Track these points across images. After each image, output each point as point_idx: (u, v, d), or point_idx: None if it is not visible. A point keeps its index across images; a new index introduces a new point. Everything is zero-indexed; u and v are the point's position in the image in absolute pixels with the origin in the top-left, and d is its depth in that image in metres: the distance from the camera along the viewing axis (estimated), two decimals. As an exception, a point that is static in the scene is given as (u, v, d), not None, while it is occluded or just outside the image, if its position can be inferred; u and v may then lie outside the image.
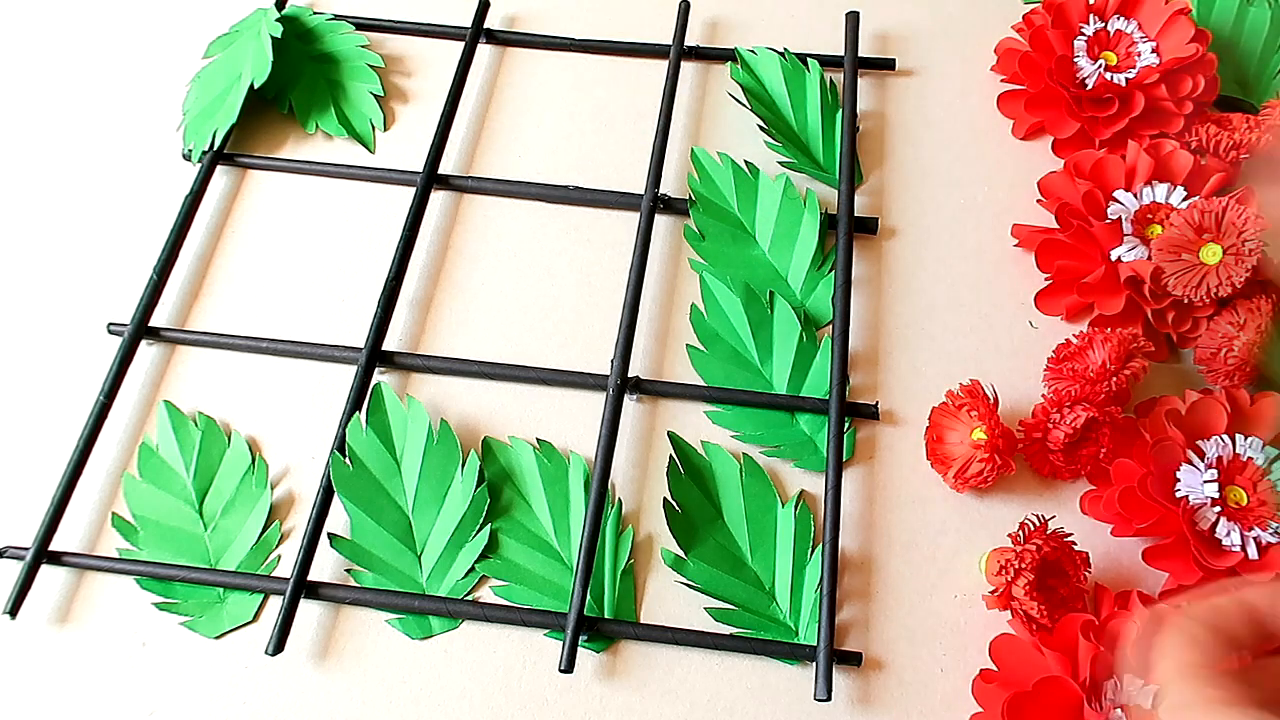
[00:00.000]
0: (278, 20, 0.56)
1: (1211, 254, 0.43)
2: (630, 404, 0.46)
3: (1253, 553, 0.39)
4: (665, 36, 0.57)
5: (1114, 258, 0.46)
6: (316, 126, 0.55)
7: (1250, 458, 0.41)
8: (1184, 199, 0.47)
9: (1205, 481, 0.40)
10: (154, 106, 0.56)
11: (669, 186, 0.52)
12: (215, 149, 0.53)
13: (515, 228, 0.52)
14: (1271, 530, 0.39)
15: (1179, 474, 0.40)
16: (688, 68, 0.57)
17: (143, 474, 0.45)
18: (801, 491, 0.44)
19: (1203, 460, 0.41)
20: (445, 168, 0.53)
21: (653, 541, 0.43)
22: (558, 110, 0.56)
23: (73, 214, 0.53)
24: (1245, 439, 0.41)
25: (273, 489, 0.44)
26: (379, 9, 0.59)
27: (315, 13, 0.58)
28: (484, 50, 0.58)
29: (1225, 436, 0.41)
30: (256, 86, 0.53)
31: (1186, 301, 0.44)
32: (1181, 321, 0.45)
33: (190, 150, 0.54)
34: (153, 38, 0.59)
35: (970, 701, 0.38)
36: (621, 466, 0.45)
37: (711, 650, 0.40)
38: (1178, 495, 0.40)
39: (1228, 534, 0.39)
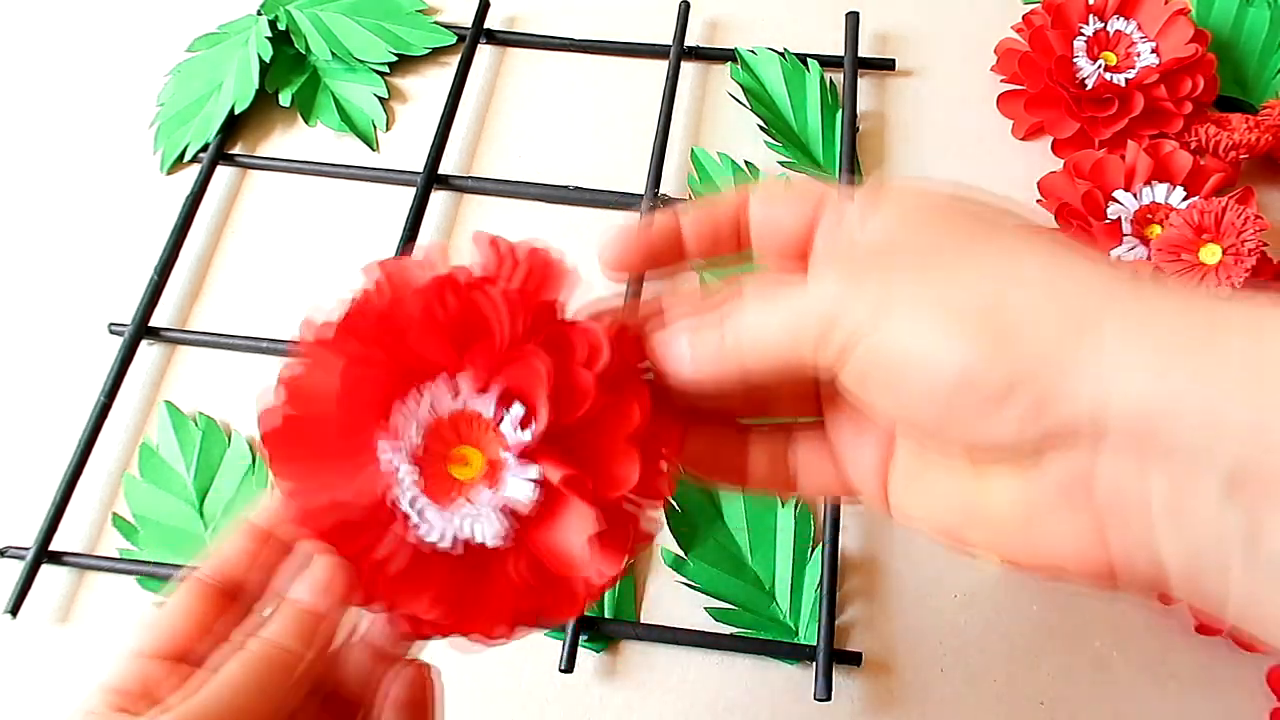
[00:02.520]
0: (268, 38, 0.55)
1: (1211, 254, 0.43)
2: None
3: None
4: (665, 36, 0.57)
5: (1114, 258, 0.46)
6: (318, 122, 0.55)
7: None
8: (1184, 199, 0.47)
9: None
10: (155, 107, 0.56)
11: (669, 186, 0.52)
12: (212, 153, 0.53)
13: (515, 228, 0.52)
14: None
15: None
16: (688, 68, 0.57)
17: (143, 474, 0.45)
18: (801, 491, 0.44)
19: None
20: (445, 168, 0.53)
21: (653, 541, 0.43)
22: (558, 110, 0.56)
23: (73, 214, 0.53)
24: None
25: (273, 489, 0.44)
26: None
27: (318, 15, 0.58)
28: (484, 50, 0.58)
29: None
30: (238, 112, 0.54)
31: (1186, 301, 0.44)
32: (1181, 321, 0.45)
33: (160, 154, 0.54)
34: (151, 38, 0.59)
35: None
36: (621, 466, 0.45)
37: (711, 650, 0.40)
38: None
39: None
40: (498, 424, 0.23)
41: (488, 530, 0.23)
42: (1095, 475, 0.19)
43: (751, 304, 0.23)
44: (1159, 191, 0.47)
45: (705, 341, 0.24)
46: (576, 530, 0.23)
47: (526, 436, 0.23)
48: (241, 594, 0.25)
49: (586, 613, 0.40)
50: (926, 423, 0.21)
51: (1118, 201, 0.47)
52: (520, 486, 0.23)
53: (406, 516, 0.23)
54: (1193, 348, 0.18)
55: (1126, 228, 0.47)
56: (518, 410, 0.23)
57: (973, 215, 0.22)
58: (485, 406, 0.24)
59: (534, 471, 0.23)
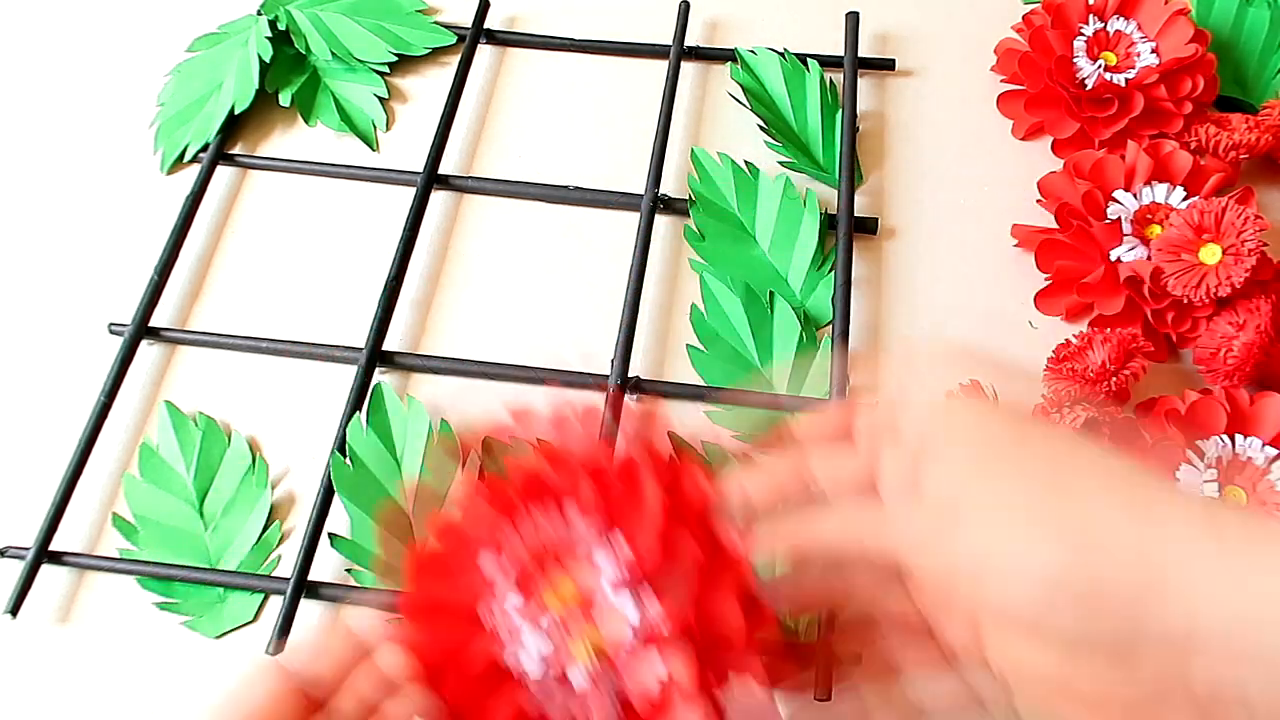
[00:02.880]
0: (268, 38, 0.55)
1: (1211, 254, 0.43)
2: (630, 404, 0.46)
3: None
4: (665, 36, 0.57)
5: (1114, 258, 0.46)
6: (318, 122, 0.55)
7: (1250, 457, 0.41)
8: (1183, 199, 0.47)
9: (1205, 481, 0.40)
10: (155, 107, 0.56)
11: (669, 186, 0.52)
12: (212, 153, 0.53)
13: (515, 228, 0.52)
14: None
15: (1178, 474, 0.40)
16: (688, 68, 0.57)
17: (143, 474, 0.45)
18: (801, 491, 0.44)
19: (1202, 460, 0.41)
20: (445, 168, 0.53)
21: (653, 541, 0.43)
22: (558, 110, 0.56)
23: (73, 214, 0.53)
24: (1245, 439, 0.41)
25: (273, 489, 0.44)
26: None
27: (318, 15, 0.58)
28: (484, 50, 0.58)
29: (1225, 436, 0.41)
30: (238, 112, 0.54)
31: (1186, 301, 0.44)
32: (1181, 321, 0.45)
33: (160, 154, 0.54)
34: (151, 38, 0.59)
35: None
36: (621, 466, 0.45)
37: (711, 650, 0.40)
38: (1177, 495, 0.40)
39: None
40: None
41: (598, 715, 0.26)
42: (1191, 677, 0.21)
43: (833, 526, 0.27)
44: (1159, 191, 0.47)
45: (783, 538, 0.28)
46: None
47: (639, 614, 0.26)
48: (319, 693, 0.27)
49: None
50: (1011, 642, 0.24)
51: (1118, 201, 0.47)
52: (648, 671, 0.26)
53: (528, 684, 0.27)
54: (1264, 563, 0.21)
55: (1126, 228, 0.47)
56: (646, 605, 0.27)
57: (1041, 455, 0.24)
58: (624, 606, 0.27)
59: (659, 665, 0.26)
